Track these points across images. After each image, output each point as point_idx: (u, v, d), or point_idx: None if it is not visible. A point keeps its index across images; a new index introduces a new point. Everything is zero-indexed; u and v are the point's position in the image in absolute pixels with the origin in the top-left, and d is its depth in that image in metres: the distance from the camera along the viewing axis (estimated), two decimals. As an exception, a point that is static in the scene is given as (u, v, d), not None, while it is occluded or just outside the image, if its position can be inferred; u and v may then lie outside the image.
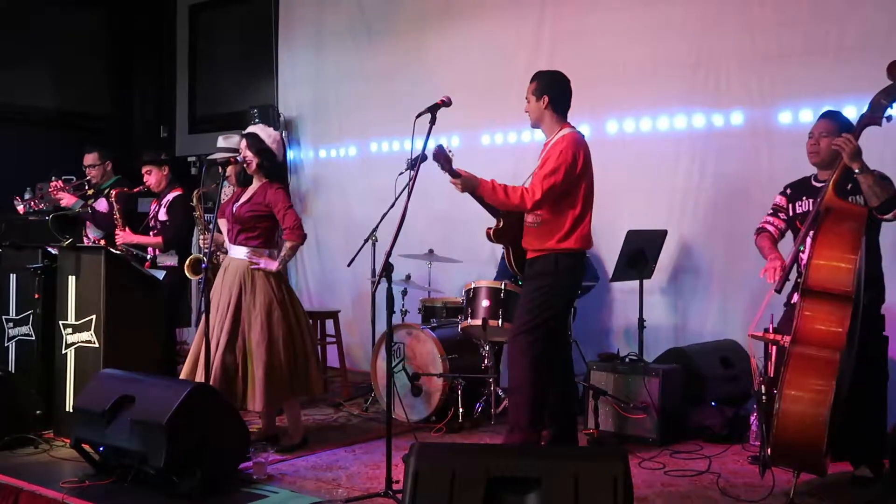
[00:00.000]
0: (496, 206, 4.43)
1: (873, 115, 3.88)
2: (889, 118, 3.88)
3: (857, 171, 3.85)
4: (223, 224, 4.97)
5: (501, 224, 4.51)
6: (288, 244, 4.71)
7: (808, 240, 3.88)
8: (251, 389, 4.59)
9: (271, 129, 4.93)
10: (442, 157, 4.24)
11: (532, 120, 4.53)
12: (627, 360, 5.25)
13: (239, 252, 4.74)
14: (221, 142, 5.74)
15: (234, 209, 4.76)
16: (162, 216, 5.81)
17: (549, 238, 4.35)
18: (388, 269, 4.01)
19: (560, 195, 4.31)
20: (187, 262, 5.20)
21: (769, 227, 4.40)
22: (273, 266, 4.68)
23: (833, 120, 4.20)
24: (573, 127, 4.49)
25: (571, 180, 4.33)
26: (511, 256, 4.56)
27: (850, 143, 3.84)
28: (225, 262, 4.82)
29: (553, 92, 4.46)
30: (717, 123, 5.94)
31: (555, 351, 4.43)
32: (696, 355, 5.34)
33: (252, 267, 4.66)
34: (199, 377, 4.56)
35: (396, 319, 5.36)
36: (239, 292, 4.66)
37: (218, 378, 4.54)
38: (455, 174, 4.28)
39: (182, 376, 4.66)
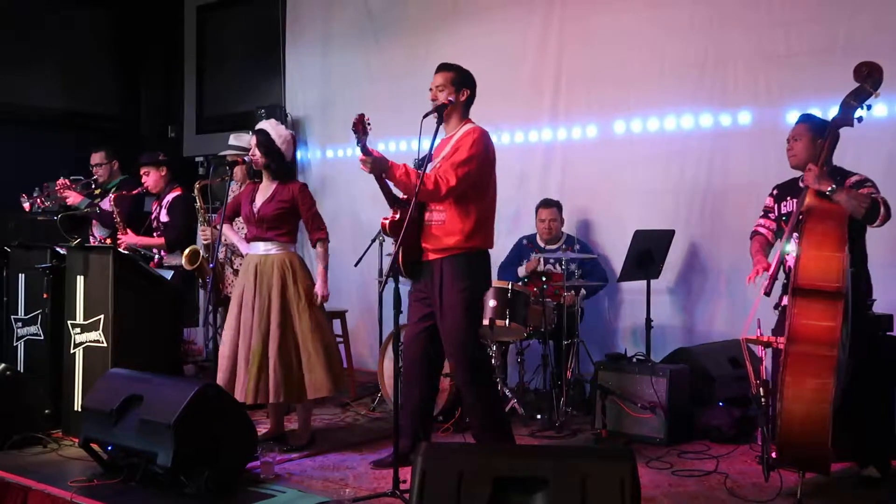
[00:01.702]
0: (406, 192, 4.28)
1: (845, 118, 3.95)
2: (860, 119, 3.94)
3: (828, 191, 3.90)
4: (226, 230, 5.01)
5: (398, 216, 4.34)
6: (321, 248, 4.83)
7: (793, 241, 3.93)
8: (314, 378, 4.66)
9: (283, 126, 4.93)
10: (360, 127, 4.10)
11: (444, 110, 4.36)
12: (635, 360, 5.25)
13: (271, 248, 4.77)
14: (233, 140, 5.74)
15: (258, 209, 4.78)
16: (163, 217, 5.83)
17: (454, 235, 4.27)
18: (395, 269, 4.01)
19: (469, 188, 4.22)
20: (185, 252, 5.22)
21: (761, 230, 4.45)
22: (324, 289, 4.79)
23: (806, 122, 4.28)
24: (475, 124, 4.42)
25: (483, 172, 4.27)
26: (402, 255, 4.36)
27: (810, 171, 3.95)
28: (253, 260, 4.81)
29: (471, 88, 4.43)
30: (724, 123, 5.94)
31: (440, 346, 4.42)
32: (704, 355, 5.34)
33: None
34: (242, 377, 4.63)
35: (403, 319, 5.36)
36: (282, 284, 4.69)
37: (279, 377, 4.60)
38: (366, 151, 4.14)
39: (221, 382, 4.66)
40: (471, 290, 4.30)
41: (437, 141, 4.25)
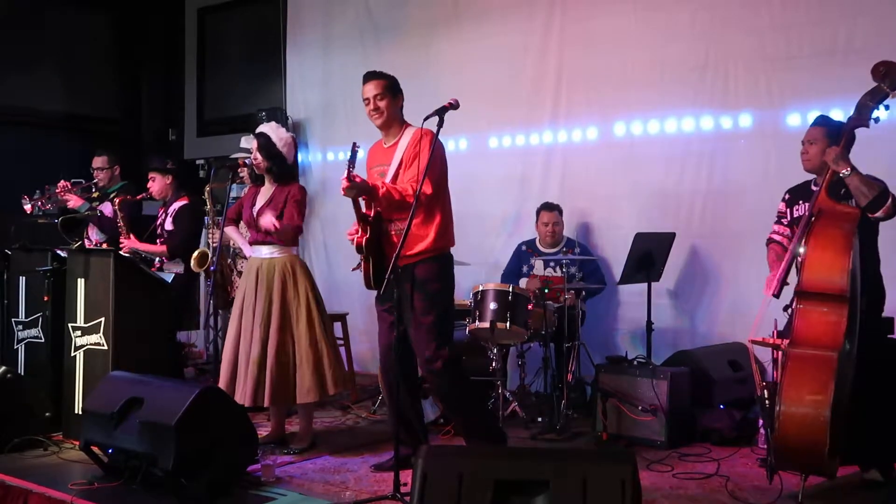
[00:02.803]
0: (390, 209, 4.23)
1: (860, 118, 3.94)
2: (876, 119, 3.95)
3: (843, 174, 3.90)
4: (232, 231, 5.01)
5: (370, 234, 4.29)
6: (279, 225, 4.69)
7: (803, 243, 3.90)
8: (303, 383, 4.66)
9: (283, 129, 4.93)
10: (353, 155, 4.09)
11: (384, 119, 4.35)
12: (636, 362, 5.24)
13: (273, 251, 4.77)
14: (244, 142, 5.74)
15: (256, 212, 4.79)
16: (168, 225, 5.83)
17: (422, 240, 4.24)
18: (395, 271, 4.01)
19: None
20: (195, 254, 5.22)
21: (776, 237, 4.44)
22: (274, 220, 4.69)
23: (822, 125, 4.26)
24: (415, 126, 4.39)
25: (444, 173, 4.30)
26: (372, 270, 4.30)
27: (832, 150, 3.94)
28: (255, 263, 4.81)
29: (402, 93, 4.42)
30: (725, 126, 5.94)
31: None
32: (705, 358, 5.34)
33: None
34: (243, 380, 4.64)
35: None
36: (282, 287, 4.71)
37: (274, 380, 4.61)
38: (351, 178, 4.09)
39: (223, 384, 4.67)
40: (441, 294, 4.30)
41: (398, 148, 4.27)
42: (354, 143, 4.14)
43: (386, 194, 4.17)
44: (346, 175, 4.11)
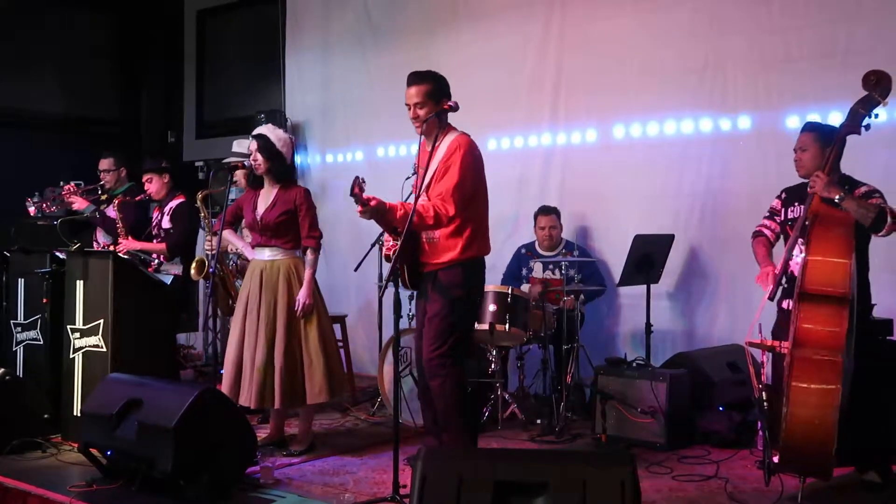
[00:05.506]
0: (409, 229, 4.10)
1: (852, 125, 3.98)
2: (867, 127, 3.97)
3: (837, 199, 3.92)
4: (230, 235, 5.01)
5: (400, 244, 4.20)
6: (310, 254, 4.80)
7: (798, 246, 3.91)
8: (314, 384, 4.68)
9: (280, 130, 4.92)
10: (359, 191, 3.92)
11: (424, 128, 4.23)
12: (635, 364, 5.25)
13: (276, 254, 4.79)
14: (235, 146, 5.74)
15: (261, 216, 4.78)
16: (165, 224, 5.82)
17: (450, 250, 4.21)
18: (395, 273, 4.01)
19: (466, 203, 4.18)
20: (194, 262, 5.21)
21: (765, 231, 4.45)
22: (307, 296, 4.72)
23: (812, 131, 4.28)
24: (457, 129, 4.31)
25: (474, 187, 4.21)
26: (407, 275, 4.31)
27: (819, 178, 3.97)
28: (258, 266, 4.82)
29: (449, 94, 4.26)
30: (724, 128, 5.94)
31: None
32: (704, 360, 5.33)
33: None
34: (248, 381, 4.65)
35: (403, 324, 5.35)
36: (287, 289, 4.72)
37: (283, 383, 4.63)
38: (364, 203, 3.98)
39: (226, 386, 4.67)
40: (463, 302, 4.24)
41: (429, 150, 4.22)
42: (357, 177, 3.97)
43: (403, 217, 4.09)
44: (358, 203, 4.01)
